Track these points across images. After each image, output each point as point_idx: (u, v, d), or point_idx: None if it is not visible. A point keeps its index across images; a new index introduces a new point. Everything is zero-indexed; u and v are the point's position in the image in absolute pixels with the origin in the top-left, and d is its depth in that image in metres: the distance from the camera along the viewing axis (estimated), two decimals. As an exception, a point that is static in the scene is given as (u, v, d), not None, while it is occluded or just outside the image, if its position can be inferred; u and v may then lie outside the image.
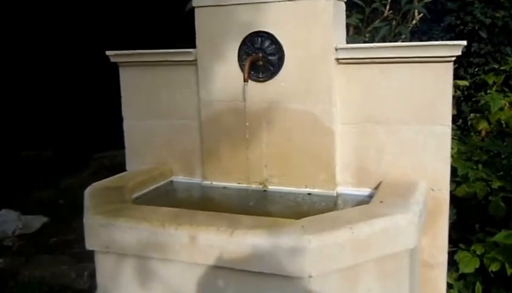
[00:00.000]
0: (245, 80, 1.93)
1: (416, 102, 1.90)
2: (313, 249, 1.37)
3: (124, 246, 1.60)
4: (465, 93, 3.68)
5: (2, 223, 3.75)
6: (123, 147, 2.43)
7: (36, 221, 3.89)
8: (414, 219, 1.55)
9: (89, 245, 1.67)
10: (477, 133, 3.22)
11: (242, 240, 1.43)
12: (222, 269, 1.48)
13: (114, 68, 2.38)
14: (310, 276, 1.39)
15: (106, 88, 3.96)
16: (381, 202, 1.67)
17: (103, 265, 1.69)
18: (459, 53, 1.80)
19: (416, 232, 1.57)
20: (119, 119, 2.41)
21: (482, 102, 2.80)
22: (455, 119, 3.41)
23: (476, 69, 4.43)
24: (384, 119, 1.95)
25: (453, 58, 1.83)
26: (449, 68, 1.85)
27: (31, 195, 4.55)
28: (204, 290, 1.53)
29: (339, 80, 1.97)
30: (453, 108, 3.38)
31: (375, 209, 1.62)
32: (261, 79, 2.04)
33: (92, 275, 2.76)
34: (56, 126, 6.13)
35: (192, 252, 1.50)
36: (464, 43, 1.78)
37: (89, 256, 2.93)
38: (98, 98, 5.75)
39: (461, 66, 4.41)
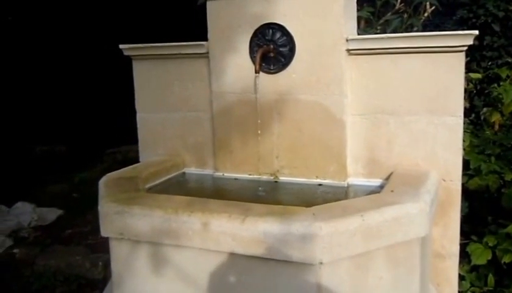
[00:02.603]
0: (256, 72, 1.94)
1: (427, 93, 1.90)
2: (324, 236, 1.39)
3: (138, 233, 1.63)
4: (478, 86, 3.65)
5: (18, 214, 3.81)
6: (136, 142, 2.46)
7: (52, 214, 3.95)
8: (425, 208, 1.55)
9: (104, 232, 1.71)
10: (490, 127, 3.20)
11: (254, 227, 1.45)
12: (233, 255, 1.50)
13: (127, 63, 2.41)
14: (321, 263, 1.40)
15: (119, 84, 4.01)
16: (392, 191, 1.68)
17: (117, 252, 1.72)
18: (471, 43, 1.79)
19: (427, 220, 1.57)
20: (132, 115, 2.44)
21: (495, 94, 2.79)
22: (467, 113, 3.39)
23: (489, 63, 4.38)
24: (395, 110, 1.96)
25: (465, 48, 1.83)
26: (461, 58, 1.85)
27: (45, 189, 4.61)
28: (216, 276, 1.56)
29: (350, 71, 1.98)
30: (465, 101, 3.38)
31: (386, 197, 1.62)
32: (272, 71, 2.05)
33: (107, 265, 2.81)
34: (69, 122, 6.21)
35: (204, 238, 1.53)
36: (476, 32, 1.77)
37: (104, 247, 2.99)
38: (111, 94, 5.81)
39: (473, 59, 4.37)
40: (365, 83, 1.99)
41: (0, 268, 3.09)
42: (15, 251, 3.34)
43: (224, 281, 1.55)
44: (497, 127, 3.36)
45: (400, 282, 1.57)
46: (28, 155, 5.79)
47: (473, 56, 4.34)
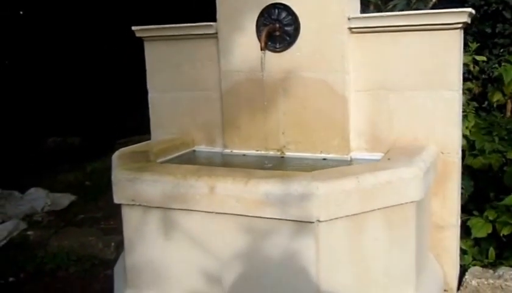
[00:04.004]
0: (262, 49, 2.03)
1: (426, 69, 1.97)
2: (321, 196, 1.48)
3: (148, 199, 1.74)
4: (488, 71, 3.66)
5: (31, 200, 3.88)
6: (147, 132, 2.57)
7: (64, 199, 4.01)
8: (419, 173, 1.63)
9: (116, 199, 1.81)
10: (502, 114, 3.24)
11: (256, 189, 1.55)
12: (237, 216, 1.60)
13: (139, 54, 2.51)
14: (318, 221, 1.49)
15: (131, 75, 4.12)
16: (389, 159, 1.76)
17: (129, 218, 1.83)
18: (466, 19, 1.86)
19: (421, 186, 1.64)
20: (143, 106, 2.54)
21: (496, 73, 2.83)
22: (479, 100, 3.42)
23: (501, 50, 4.39)
24: (396, 86, 2.03)
25: (460, 26, 1.89)
26: (457, 35, 1.92)
27: (58, 178, 4.68)
28: (221, 238, 1.65)
29: (352, 49, 2.06)
30: (476, 86, 3.41)
31: (382, 164, 1.71)
32: (277, 50, 2.14)
33: (119, 246, 2.91)
34: (82, 113, 6.32)
35: (210, 202, 1.63)
36: (470, 10, 1.84)
37: (115, 230, 3.10)
38: (123, 86, 5.93)
39: (485, 47, 4.38)
40: (366, 61, 2.06)
41: (14, 249, 3.20)
42: (29, 233, 3.41)
43: (228, 241, 1.64)
44: (508, 113, 3.40)
45: (395, 244, 1.64)
46: (41, 147, 5.90)
47: (486, 43, 4.36)
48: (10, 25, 6.09)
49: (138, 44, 2.50)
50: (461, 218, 2.25)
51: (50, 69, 6.45)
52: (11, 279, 2.84)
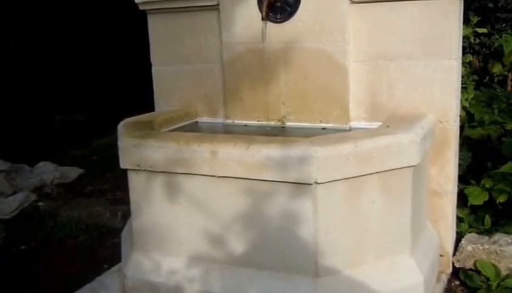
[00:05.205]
0: (263, 19, 2.06)
1: (425, 38, 2.00)
2: (319, 158, 1.53)
3: (153, 164, 1.80)
4: (488, 45, 3.67)
5: (41, 173, 4.00)
6: (152, 110, 2.61)
7: (73, 172, 4.14)
8: (416, 139, 1.68)
9: (122, 164, 1.88)
10: (503, 89, 3.27)
11: (257, 153, 1.60)
12: (238, 180, 1.66)
13: (144, 31, 2.54)
14: (316, 183, 1.55)
15: (136, 54, 4.13)
16: (388, 126, 1.81)
17: (135, 183, 1.89)
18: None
19: (418, 151, 1.69)
20: (148, 84, 2.58)
21: (496, 44, 2.85)
22: (480, 74, 3.44)
23: (503, 25, 4.38)
24: (395, 56, 2.06)
25: (459, -6, 1.92)
26: (455, 4, 1.94)
27: (66, 153, 4.80)
28: (223, 201, 1.72)
29: (353, 19, 2.08)
30: (477, 61, 3.41)
31: (380, 130, 1.75)
32: (278, 20, 2.17)
33: (125, 216, 2.99)
34: (88, 91, 6.38)
35: (212, 166, 1.68)
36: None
37: (122, 201, 3.19)
38: (128, 63, 5.95)
39: (487, 22, 4.37)
40: (367, 31, 2.09)
41: (26, 219, 3.31)
42: (39, 204, 3.55)
43: (230, 204, 1.71)
44: (509, 88, 3.43)
45: (391, 207, 1.70)
46: (48, 124, 6.00)
47: (488, 18, 4.35)
48: (14, 6, 6.10)
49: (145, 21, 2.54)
50: (459, 187, 2.30)
51: (56, 49, 6.47)
52: (23, 247, 2.95)
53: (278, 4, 2.14)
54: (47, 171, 4.04)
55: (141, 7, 2.47)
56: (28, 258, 2.80)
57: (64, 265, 2.67)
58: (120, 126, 2.08)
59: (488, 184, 2.34)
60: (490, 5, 4.19)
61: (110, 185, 3.90)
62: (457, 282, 2.21)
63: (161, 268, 1.87)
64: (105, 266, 2.47)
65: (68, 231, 3.09)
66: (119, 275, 2.13)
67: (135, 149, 1.82)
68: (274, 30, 2.18)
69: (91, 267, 2.51)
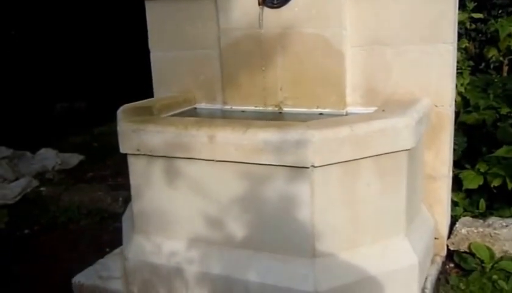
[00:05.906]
0: (259, 4, 2.08)
1: (421, 23, 2.01)
2: (316, 142, 1.56)
3: (152, 148, 1.83)
4: (484, 31, 3.68)
5: (42, 159, 4.06)
6: (152, 97, 2.62)
7: (74, 159, 4.20)
8: (411, 122, 1.70)
9: (122, 149, 1.91)
10: (499, 74, 3.28)
11: (254, 137, 1.63)
12: (236, 164, 1.69)
13: (142, 19, 2.55)
14: (313, 166, 1.58)
15: (136, 41, 4.14)
16: (383, 110, 1.83)
17: (135, 167, 1.92)
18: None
19: (413, 135, 1.72)
20: (148, 71, 2.59)
21: (492, 29, 2.86)
22: (476, 60, 3.45)
23: (499, 11, 4.38)
24: (391, 41, 2.08)
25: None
26: (451, -12, 1.95)
27: (67, 140, 4.86)
28: (221, 185, 1.75)
29: (349, 4, 2.10)
30: (473, 47, 3.41)
31: (376, 114, 1.78)
32: (275, 5, 2.18)
33: (126, 201, 3.03)
34: (89, 79, 6.39)
35: (211, 150, 1.71)
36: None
37: (123, 186, 3.23)
38: (129, 51, 5.95)
39: (484, 8, 4.37)
40: (363, 16, 2.10)
41: (28, 204, 3.37)
42: (42, 189, 3.61)
43: (228, 187, 1.74)
44: (505, 74, 3.44)
45: (387, 190, 1.74)
46: (49, 112, 6.02)
47: (484, 5, 4.34)
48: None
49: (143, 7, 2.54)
50: (454, 172, 2.33)
51: (57, 37, 6.46)
52: (26, 231, 3.01)
53: (276, -11, 2.15)
54: (49, 158, 4.10)
55: (139, -7, 2.48)
56: (31, 242, 2.85)
57: (66, 248, 2.72)
58: (120, 112, 2.10)
59: (483, 168, 2.37)
60: (486, -9, 4.18)
61: (111, 171, 3.95)
62: (451, 265, 2.25)
63: (162, 250, 1.91)
64: (107, 250, 2.51)
65: (70, 216, 3.15)
66: (120, 258, 2.17)
67: (134, 134, 1.85)
68: (271, 15, 2.19)
69: (93, 251, 2.56)
